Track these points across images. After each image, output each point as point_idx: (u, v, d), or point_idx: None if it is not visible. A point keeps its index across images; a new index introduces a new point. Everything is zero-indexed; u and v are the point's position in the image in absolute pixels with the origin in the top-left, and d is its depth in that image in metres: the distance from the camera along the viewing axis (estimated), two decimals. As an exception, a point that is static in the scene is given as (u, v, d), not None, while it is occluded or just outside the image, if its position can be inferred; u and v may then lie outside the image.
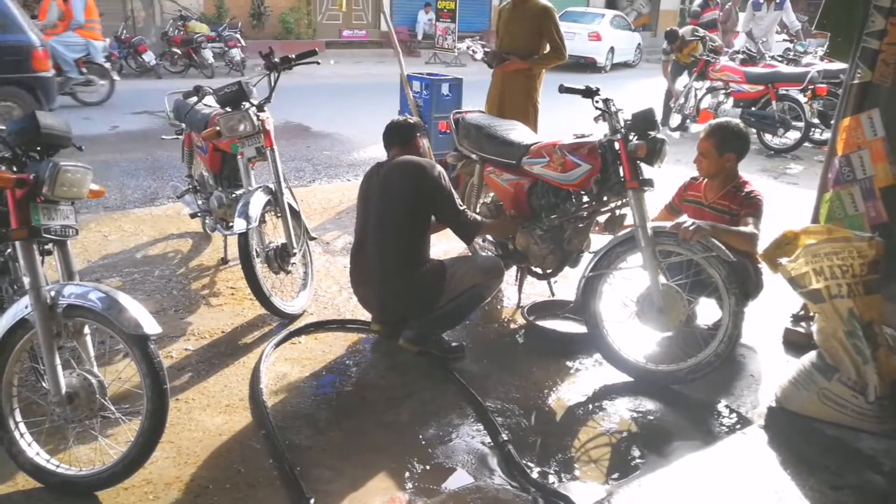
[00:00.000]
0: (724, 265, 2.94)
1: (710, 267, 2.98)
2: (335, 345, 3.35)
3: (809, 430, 2.27)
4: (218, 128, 3.63)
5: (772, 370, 3.23)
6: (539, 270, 3.66)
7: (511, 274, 3.90)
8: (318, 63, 3.82)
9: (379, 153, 7.37)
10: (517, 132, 3.83)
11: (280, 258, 3.56)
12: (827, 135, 9.48)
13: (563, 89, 3.14)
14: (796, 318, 3.53)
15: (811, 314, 3.48)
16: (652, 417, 2.86)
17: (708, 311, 3.43)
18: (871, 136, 3.24)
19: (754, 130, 9.13)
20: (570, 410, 2.91)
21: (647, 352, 3.23)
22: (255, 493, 2.32)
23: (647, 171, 3.13)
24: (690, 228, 2.91)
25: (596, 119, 3.17)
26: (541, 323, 3.55)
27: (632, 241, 3.08)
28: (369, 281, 3.20)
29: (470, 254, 4.00)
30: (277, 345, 3.26)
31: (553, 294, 3.89)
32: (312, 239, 3.88)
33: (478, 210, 4.04)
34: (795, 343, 3.42)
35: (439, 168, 3.17)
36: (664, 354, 3.18)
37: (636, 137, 3.08)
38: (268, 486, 2.37)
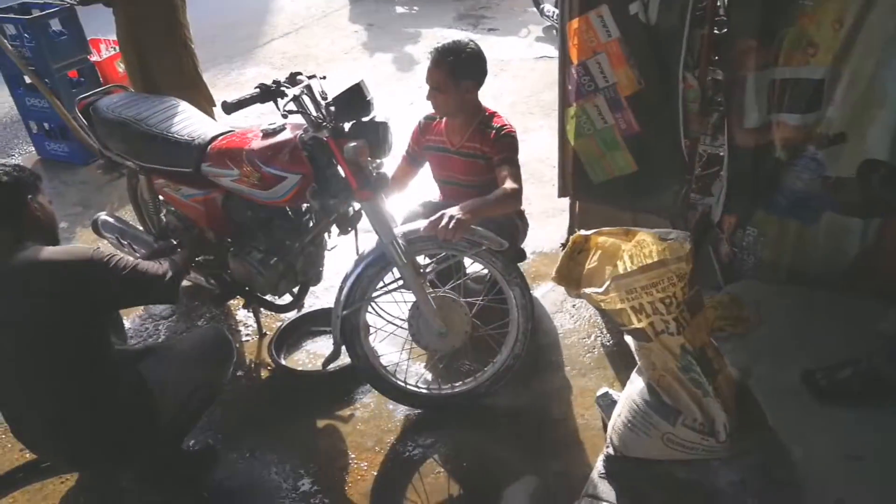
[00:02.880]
0: (497, 256, 2.39)
1: (482, 262, 2.42)
2: (26, 520, 2.30)
3: (658, 475, 1.93)
4: None
5: (571, 332, 2.89)
6: (274, 301, 2.81)
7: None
8: None
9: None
10: (182, 119, 2.73)
11: None
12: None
13: (230, 107, 2.12)
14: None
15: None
16: (470, 461, 2.37)
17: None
18: (606, 37, 2.76)
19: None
20: (374, 490, 2.30)
21: (437, 374, 2.68)
22: None
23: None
24: (450, 227, 2.24)
25: (285, 115, 2.24)
26: (293, 366, 2.78)
27: (384, 258, 2.37)
28: (43, 444, 2.08)
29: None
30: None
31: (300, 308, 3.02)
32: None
33: (164, 224, 2.97)
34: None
35: (86, 251, 1.95)
36: (456, 371, 2.64)
37: (349, 128, 2.26)
38: None
